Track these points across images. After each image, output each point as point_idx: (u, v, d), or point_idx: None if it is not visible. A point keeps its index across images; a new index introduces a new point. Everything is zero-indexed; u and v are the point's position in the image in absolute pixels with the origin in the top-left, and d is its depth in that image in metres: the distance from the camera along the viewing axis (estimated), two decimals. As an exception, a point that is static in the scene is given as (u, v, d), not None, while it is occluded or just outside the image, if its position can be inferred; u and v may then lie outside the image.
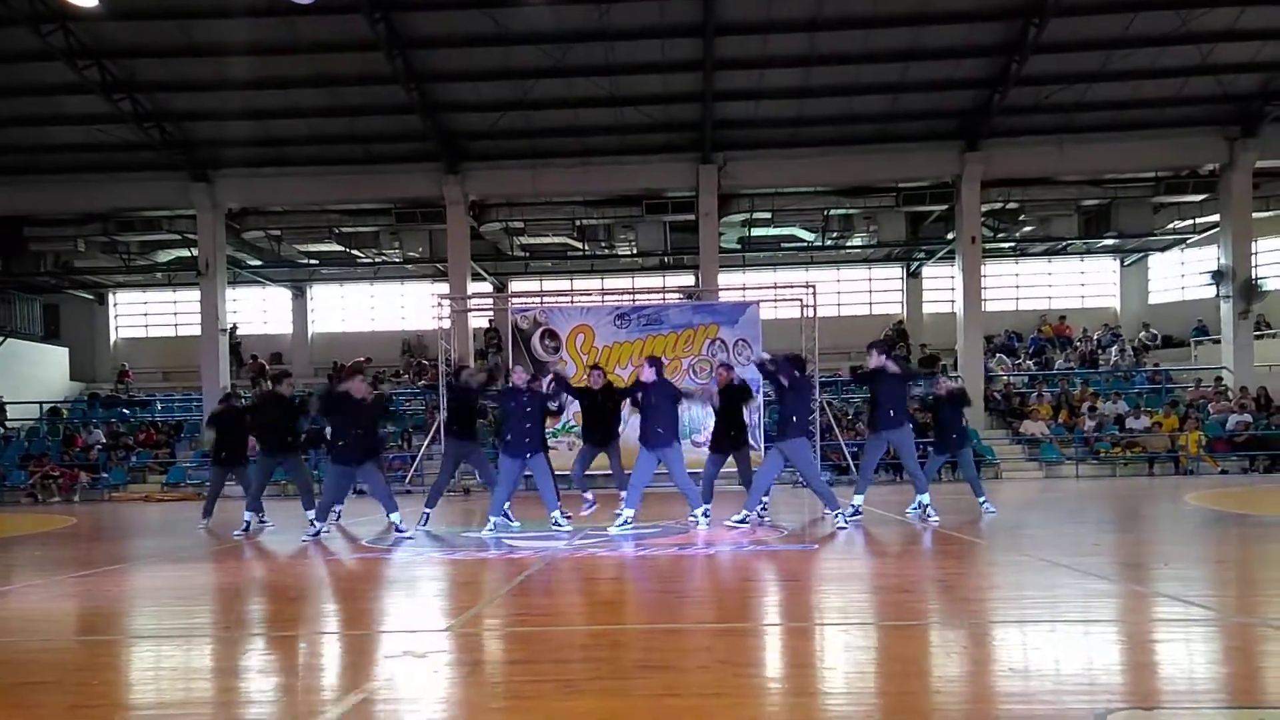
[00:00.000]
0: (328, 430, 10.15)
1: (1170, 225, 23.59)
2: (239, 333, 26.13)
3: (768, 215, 23.07)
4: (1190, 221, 23.25)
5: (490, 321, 24.33)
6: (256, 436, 10.58)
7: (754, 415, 15.32)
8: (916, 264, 26.88)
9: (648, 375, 9.15)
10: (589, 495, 10.21)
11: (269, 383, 11.83)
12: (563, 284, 26.66)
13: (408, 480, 18.20)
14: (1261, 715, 2.73)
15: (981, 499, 10.24)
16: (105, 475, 20.67)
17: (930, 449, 11.04)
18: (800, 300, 18.15)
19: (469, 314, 22.13)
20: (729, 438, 9.71)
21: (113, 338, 28.44)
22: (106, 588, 6.27)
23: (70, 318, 27.83)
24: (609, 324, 17.19)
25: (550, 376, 9.32)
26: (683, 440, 9.92)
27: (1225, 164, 20.96)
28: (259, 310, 28.61)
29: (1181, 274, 25.86)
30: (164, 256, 25.25)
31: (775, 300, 19.35)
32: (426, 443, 18.79)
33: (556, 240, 23.93)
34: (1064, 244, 25.01)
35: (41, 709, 3.18)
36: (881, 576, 6.05)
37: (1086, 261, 27.21)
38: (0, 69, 18.90)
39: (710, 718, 2.89)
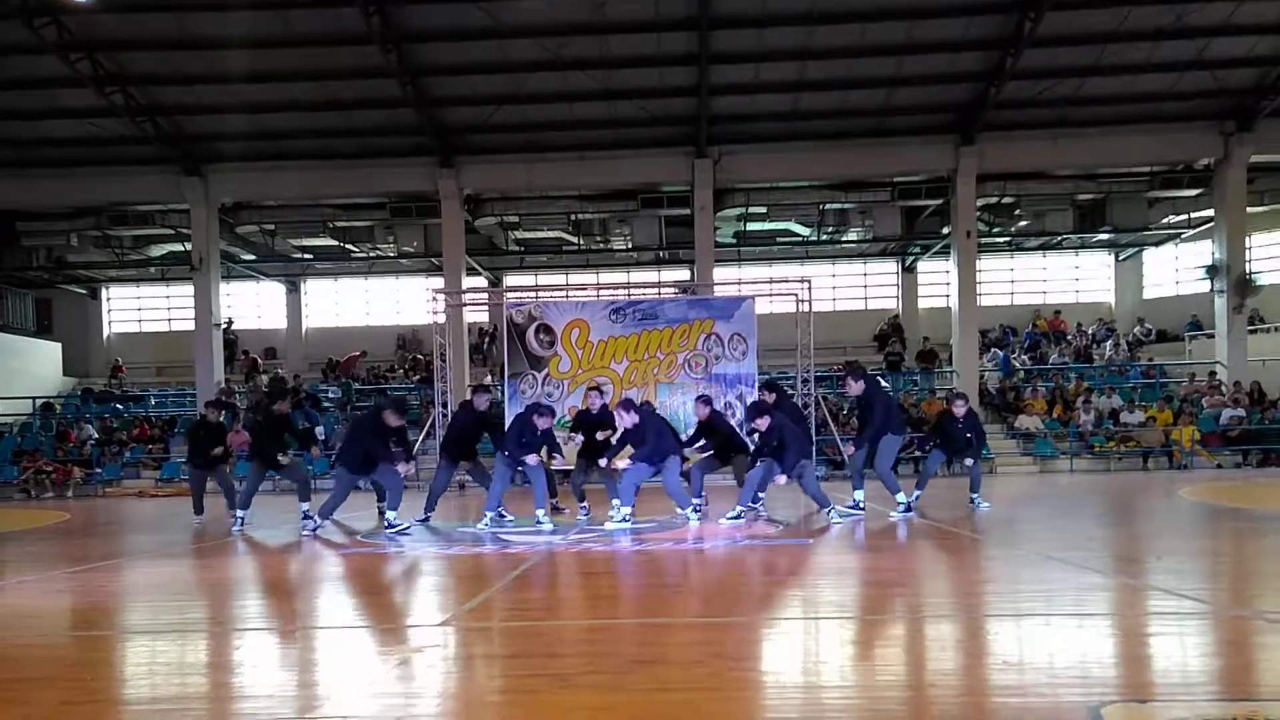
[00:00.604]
0: (319, 431, 10.42)
1: (1165, 220, 23.62)
2: (234, 328, 26.07)
3: (763, 210, 23.06)
4: (1185, 216, 23.28)
5: (491, 325, 24.32)
6: (253, 449, 10.58)
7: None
8: (912, 259, 26.89)
9: (629, 422, 9.33)
10: (584, 505, 10.30)
11: (266, 397, 12.02)
12: (558, 278, 26.59)
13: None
14: (1255, 708, 2.73)
15: (974, 495, 10.29)
16: (99, 470, 20.61)
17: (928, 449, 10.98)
18: (795, 295, 18.14)
19: (464, 308, 22.07)
20: (721, 453, 10.20)
21: (106, 332, 28.35)
22: (100, 583, 6.26)
23: (63, 312, 27.73)
24: (604, 319, 17.16)
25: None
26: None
27: (1220, 159, 20.98)
28: (253, 305, 28.53)
29: (1176, 269, 25.91)
30: (157, 251, 25.16)
31: (771, 295, 19.32)
32: (421, 437, 18.75)
33: (552, 235, 23.90)
34: (1059, 238, 25.05)
35: (34, 704, 3.17)
36: (876, 570, 6.06)
37: (1081, 256, 27.24)
38: (-8, 62, 18.81)
39: (704, 712, 2.89)
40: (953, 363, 22.49)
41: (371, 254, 25.30)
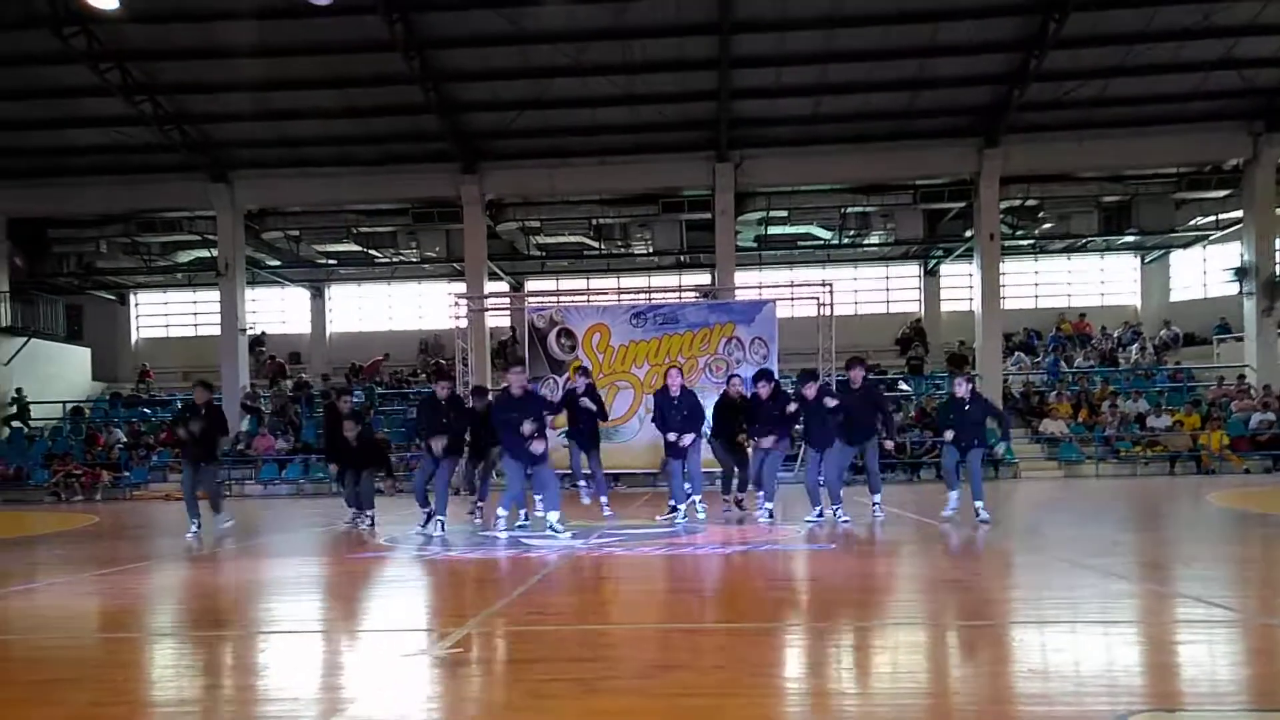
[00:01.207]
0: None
1: (1192, 221, 23.34)
2: (258, 331, 26.36)
3: (784, 213, 23.00)
4: (1213, 218, 22.99)
5: (512, 330, 24.41)
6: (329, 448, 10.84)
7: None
8: (934, 262, 26.71)
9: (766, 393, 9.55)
10: (583, 484, 10.59)
11: (333, 395, 11.77)
12: (579, 283, 26.66)
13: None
14: (1285, 718, 2.70)
15: (977, 503, 9.15)
16: (126, 474, 20.87)
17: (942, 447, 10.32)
18: (817, 299, 18.06)
19: (486, 313, 22.19)
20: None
21: (134, 338, 28.71)
22: (128, 585, 6.34)
23: (92, 318, 28.09)
24: (625, 323, 17.18)
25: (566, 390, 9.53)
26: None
27: (1248, 159, 20.71)
28: (278, 310, 28.82)
29: (1203, 271, 25.57)
30: (184, 257, 25.50)
31: (792, 299, 19.27)
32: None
33: (573, 239, 23.96)
34: (1084, 241, 24.77)
35: (64, 705, 3.22)
36: (899, 577, 6.03)
37: (1107, 259, 26.94)
38: (22, 72, 19.14)
39: (727, 718, 2.89)
40: (976, 366, 22.30)
41: (394, 259, 25.48)
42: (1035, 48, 18.21)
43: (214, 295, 23.88)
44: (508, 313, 25.26)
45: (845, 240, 24.25)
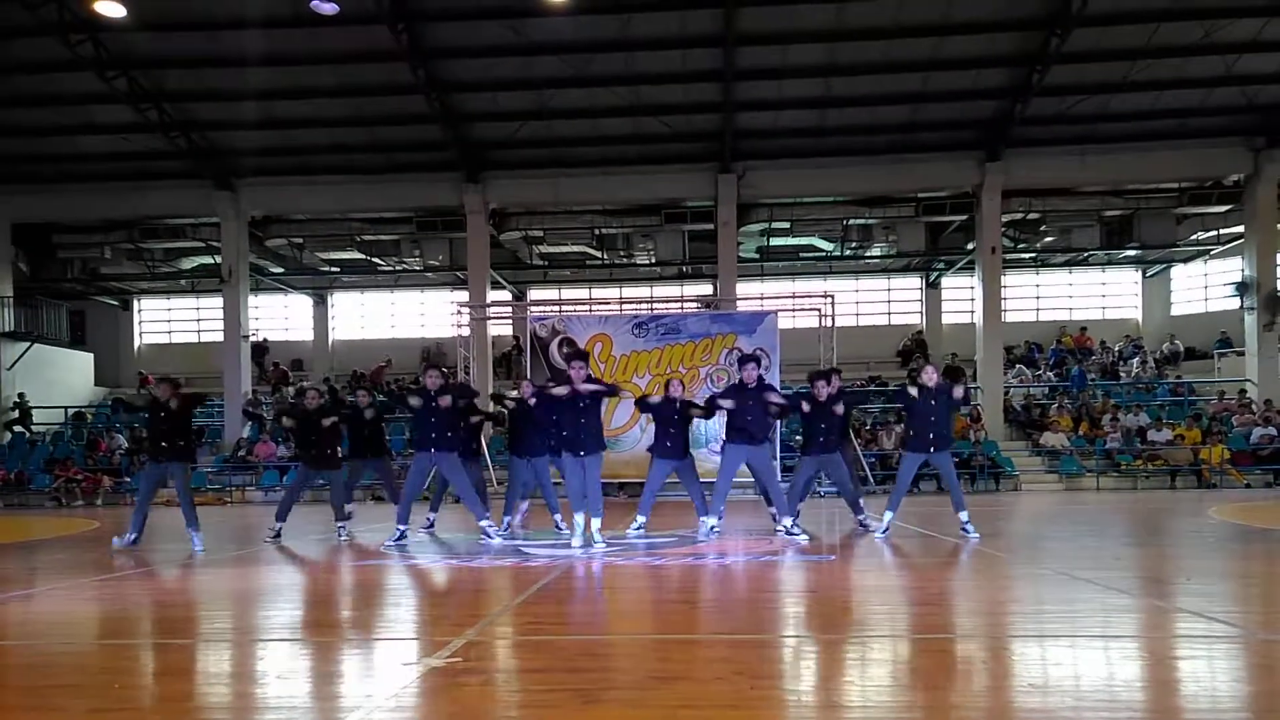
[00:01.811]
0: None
1: (1193, 236, 23.38)
2: (261, 338, 26.39)
3: (786, 225, 23.06)
4: (1214, 232, 23.03)
5: (515, 338, 24.45)
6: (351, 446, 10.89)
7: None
8: (936, 274, 26.76)
9: (676, 390, 9.19)
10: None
11: (358, 393, 11.69)
12: (581, 293, 26.73)
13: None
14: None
15: (963, 515, 8.81)
16: (128, 479, 20.86)
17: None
18: (819, 310, 18.08)
19: (488, 322, 22.23)
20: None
21: (137, 343, 28.77)
22: (128, 591, 6.34)
23: (96, 323, 28.18)
24: (627, 333, 17.20)
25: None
26: (698, 449, 9.90)
27: (1250, 174, 20.77)
28: (281, 317, 28.87)
29: (1205, 285, 25.60)
30: (188, 264, 25.58)
31: (794, 310, 19.30)
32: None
33: (576, 249, 24.02)
34: (1085, 255, 24.83)
35: (63, 711, 3.22)
36: (900, 589, 6.02)
37: (1108, 272, 26.99)
38: (30, 79, 19.25)
39: (726, 729, 2.88)
40: (977, 379, 22.29)
41: (398, 267, 25.54)
42: (1038, 62, 18.28)
43: (217, 302, 23.96)
44: (510, 322, 25.33)
45: (847, 252, 24.31)
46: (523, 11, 17.24)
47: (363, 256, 24.67)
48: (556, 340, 17.34)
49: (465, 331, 19.14)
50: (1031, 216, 22.66)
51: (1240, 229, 21.95)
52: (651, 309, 19.17)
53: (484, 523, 8.92)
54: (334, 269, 26.02)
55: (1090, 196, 22.25)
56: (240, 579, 6.92)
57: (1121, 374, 24.29)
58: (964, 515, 8.74)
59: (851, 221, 23.11)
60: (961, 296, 26.16)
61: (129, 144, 20.72)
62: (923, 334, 26.58)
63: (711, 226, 22.19)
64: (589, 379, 8.38)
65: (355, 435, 10.96)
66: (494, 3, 17.31)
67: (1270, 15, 17.30)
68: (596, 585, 6.33)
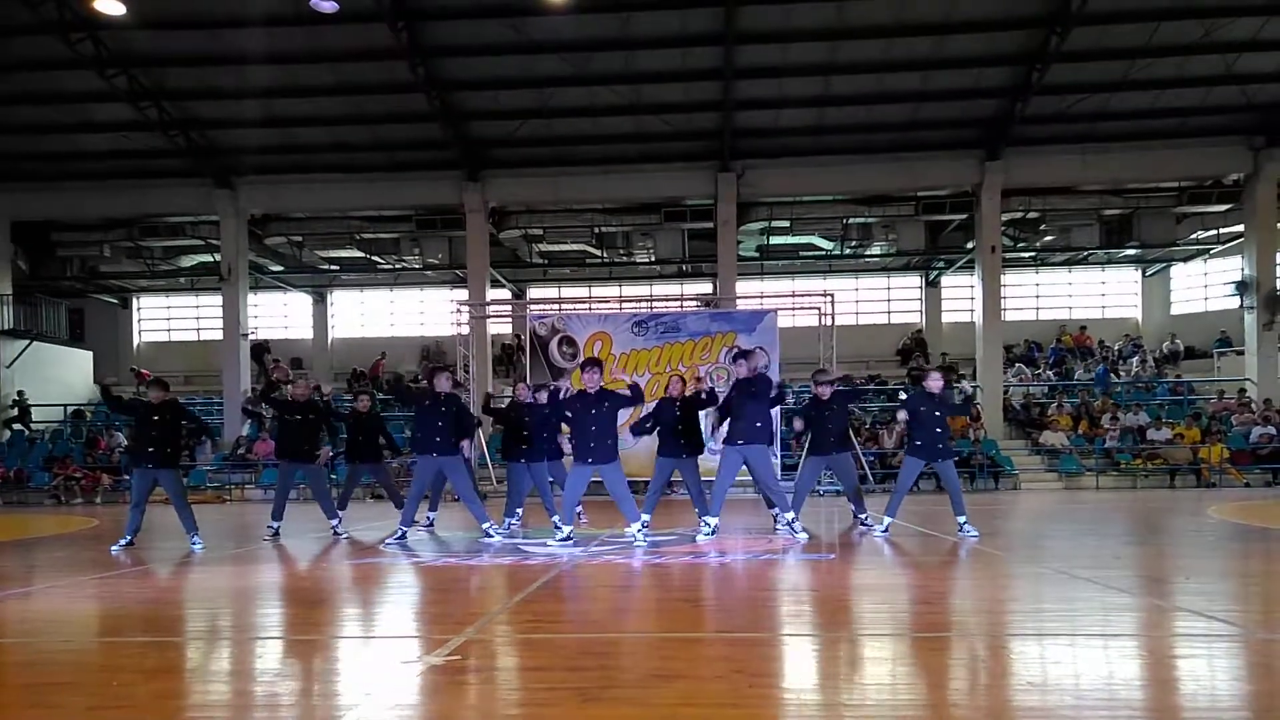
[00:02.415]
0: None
1: (1193, 235, 23.38)
2: (263, 339, 26.38)
3: (786, 223, 23.06)
4: (1214, 231, 23.03)
5: (516, 337, 24.45)
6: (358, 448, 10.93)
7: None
8: (936, 273, 26.76)
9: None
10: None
11: (360, 398, 11.65)
12: (581, 291, 26.73)
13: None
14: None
15: (961, 519, 8.79)
16: (127, 478, 20.82)
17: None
18: (818, 309, 18.10)
19: (487, 320, 22.23)
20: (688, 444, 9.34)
21: (136, 341, 28.76)
22: (127, 589, 6.34)
23: (95, 321, 28.17)
24: (627, 331, 17.20)
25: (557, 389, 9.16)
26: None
27: (1249, 174, 20.77)
28: (280, 315, 28.86)
29: (1204, 284, 25.61)
30: (187, 262, 25.56)
31: (793, 308, 19.30)
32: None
33: (575, 247, 24.00)
34: (1085, 254, 24.83)
35: (61, 709, 3.22)
36: (900, 588, 6.02)
37: (1108, 271, 27.00)
38: (30, 77, 19.22)
39: (725, 728, 2.88)
40: (977, 378, 22.30)
41: (397, 266, 25.52)
42: (1038, 61, 18.27)
43: (216, 300, 23.95)
44: (510, 320, 25.32)
45: (847, 251, 24.30)
46: (523, 10, 17.23)
47: (362, 255, 24.66)
48: (556, 339, 17.34)
49: (465, 330, 19.14)
50: (1031, 215, 22.65)
51: (1240, 228, 21.96)
52: (651, 307, 19.16)
53: (486, 524, 8.93)
54: (333, 267, 26.01)
55: (1090, 195, 22.24)
56: (238, 577, 6.91)
57: (1121, 373, 24.29)
58: (962, 519, 8.74)
59: (851, 220, 23.11)
60: (961, 295, 26.16)
61: (129, 142, 20.70)
62: (922, 333, 26.58)
63: (711, 225, 22.19)
64: (602, 391, 8.34)
65: (353, 439, 10.97)
66: (494, 1, 17.30)
67: (1270, 14, 17.29)
68: (595, 584, 6.32)
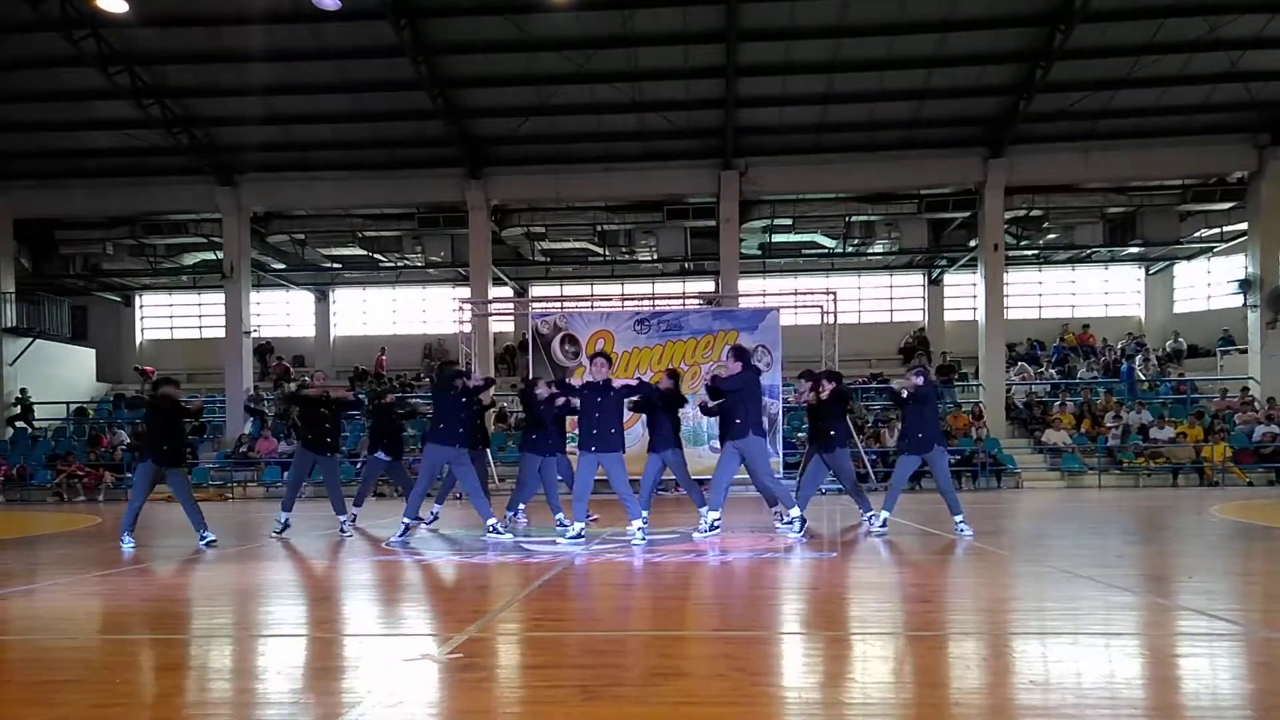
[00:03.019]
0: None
1: (1197, 233, 23.34)
2: (262, 334, 26.40)
3: (789, 221, 23.04)
4: (1217, 230, 23.00)
5: (522, 337, 24.47)
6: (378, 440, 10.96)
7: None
8: (938, 271, 26.74)
9: (665, 384, 9.16)
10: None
11: (380, 397, 11.65)
12: (583, 289, 26.73)
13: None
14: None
15: (957, 518, 8.80)
16: (129, 475, 20.86)
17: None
18: (821, 307, 18.09)
19: (490, 318, 22.23)
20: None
21: (139, 339, 28.80)
22: (130, 587, 6.35)
23: (97, 319, 28.22)
24: (629, 329, 17.20)
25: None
26: (703, 444, 9.89)
27: (1254, 171, 20.73)
28: (282, 313, 28.89)
29: (1208, 283, 25.57)
30: (190, 259, 25.60)
31: (796, 306, 19.30)
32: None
33: (577, 245, 24.02)
34: (1088, 252, 24.81)
35: (65, 706, 3.22)
36: (901, 586, 6.02)
37: (1111, 270, 26.97)
38: (32, 74, 19.24)
39: (727, 726, 2.89)
40: (979, 376, 22.28)
41: (399, 263, 25.55)
42: (1041, 59, 18.24)
43: (219, 298, 23.98)
44: (512, 318, 25.36)
45: (849, 249, 24.30)
46: (525, 7, 17.23)
47: (364, 252, 24.68)
48: (559, 337, 17.34)
49: (467, 328, 19.15)
50: (1034, 213, 22.63)
51: (1243, 226, 21.92)
52: (653, 305, 19.16)
53: (490, 521, 8.93)
54: (335, 265, 26.04)
55: (1093, 193, 22.21)
56: (242, 574, 6.92)
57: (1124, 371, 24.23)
58: (958, 518, 8.74)
59: (854, 218, 23.10)
60: (964, 293, 26.15)
61: (131, 139, 20.72)
62: (925, 331, 26.56)
63: (714, 223, 22.18)
64: (609, 382, 8.35)
65: (376, 434, 11.03)
66: (496, -2, 17.31)
67: (1275, 11, 17.25)
68: (598, 582, 6.33)
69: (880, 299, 27.52)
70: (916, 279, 27.44)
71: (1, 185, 22.42)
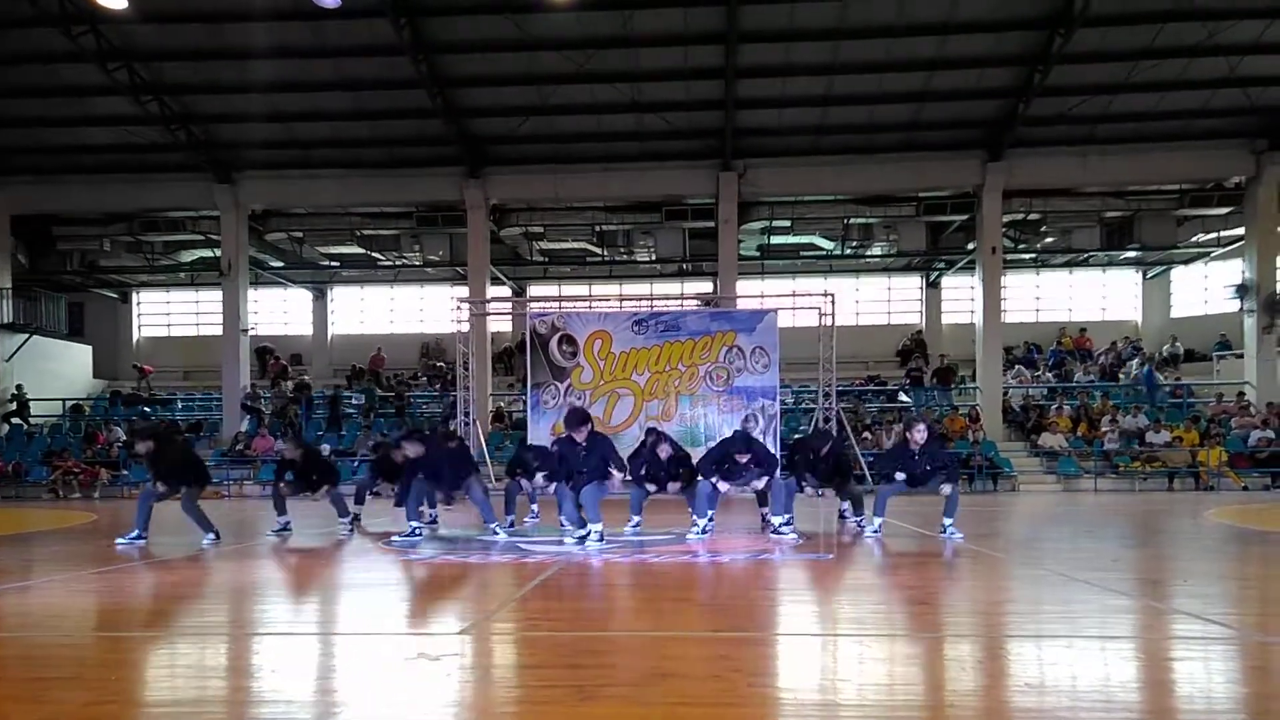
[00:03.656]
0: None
1: (1194, 238, 23.39)
2: (259, 332, 26.38)
3: (787, 223, 23.06)
4: (1214, 235, 23.05)
5: (520, 337, 24.49)
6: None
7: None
8: (936, 274, 26.76)
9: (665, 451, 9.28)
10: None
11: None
12: (581, 289, 26.73)
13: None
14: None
15: (948, 520, 8.86)
16: (125, 472, 20.85)
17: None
18: (818, 309, 18.10)
19: (487, 318, 22.22)
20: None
21: (135, 336, 28.75)
22: (125, 585, 6.33)
23: (94, 316, 28.17)
24: (627, 330, 17.21)
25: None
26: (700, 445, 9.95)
27: (1251, 177, 20.78)
28: (280, 311, 28.85)
29: (1205, 287, 25.61)
30: (187, 257, 25.57)
31: (793, 308, 19.31)
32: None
33: (576, 245, 24.02)
34: (1085, 256, 24.84)
35: (59, 704, 3.22)
36: (897, 588, 6.02)
37: (1108, 274, 27.00)
38: (31, 70, 19.21)
39: (722, 727, 2.88)
40: (976, 379, 22.30)
41: (398, 262, 25.53)
42: (1040, 63, 18.28)
43: (216, 295, 23.95)
44: (510, 318, 25.34)
45: (848, 251, 24.32)
46: (525, 6, 17.23)
47: (362, 251, 24.66)
48: (556, 337, 17.35)
49: (465, 327, 19.14)
50: (1032, 217, 22.67)
51: (1241, 231, 21.97)
52: (651, 306, 19.16)
53: (492, 524, 8.96)
54: (333, 263, 26.02)
55: (1091, 197, 22.25)
56: (238, 573, 6.91)
57: (1121, 376, 24.28)
58: (948, 520, 8.77)
59: (852, 220, 23.12)
60: (961, 296, 26.17)
61: (129, 136, 20.69)
62: (922, 334, 26.58)
63: (712, 224, 22.18)
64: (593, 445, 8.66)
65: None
66: (496, -2, 17.31)
67: (1273, 17, 17.30)
68: (594, 582, 6.33)
69: (878, 301, 27.54)
70: (914, 281, 27.46)
71: (-1, 181, 22.40)
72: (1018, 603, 5.47)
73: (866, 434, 20.35)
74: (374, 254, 24.89)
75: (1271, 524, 10.70)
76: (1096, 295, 27.21)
